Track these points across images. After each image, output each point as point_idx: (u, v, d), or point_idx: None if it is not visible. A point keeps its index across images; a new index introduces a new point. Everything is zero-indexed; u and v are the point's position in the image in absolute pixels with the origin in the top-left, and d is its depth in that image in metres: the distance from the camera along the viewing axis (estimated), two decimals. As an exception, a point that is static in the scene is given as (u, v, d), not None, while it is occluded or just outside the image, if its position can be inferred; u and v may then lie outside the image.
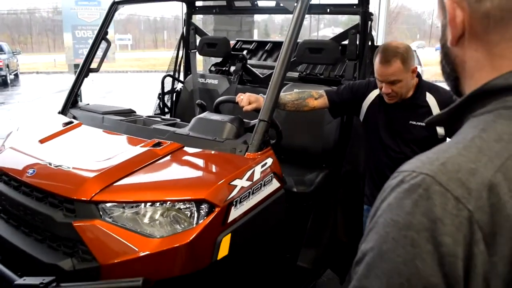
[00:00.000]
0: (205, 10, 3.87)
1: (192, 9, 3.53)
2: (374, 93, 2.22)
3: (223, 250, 1.74)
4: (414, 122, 2.09)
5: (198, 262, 1.70)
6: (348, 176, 2.78)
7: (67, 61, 5.00)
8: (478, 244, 0.55)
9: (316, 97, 2.27)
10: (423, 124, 2.07)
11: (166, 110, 3.56)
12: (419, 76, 2.14)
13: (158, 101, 3.54)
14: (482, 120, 0.64)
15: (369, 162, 2.35)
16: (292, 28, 2.09)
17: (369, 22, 2.83)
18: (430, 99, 2.09)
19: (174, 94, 3.61)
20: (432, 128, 2.08)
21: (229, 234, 1.75)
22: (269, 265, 2.17)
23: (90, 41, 4.76)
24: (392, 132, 2.15)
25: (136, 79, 18.85)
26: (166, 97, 3.57)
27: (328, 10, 3.04)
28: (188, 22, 3.53)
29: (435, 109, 2.08)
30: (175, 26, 32.20)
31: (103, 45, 2.92)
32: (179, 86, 3.64)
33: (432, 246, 0.57)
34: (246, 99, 2.12)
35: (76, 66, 5.67)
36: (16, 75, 17.93)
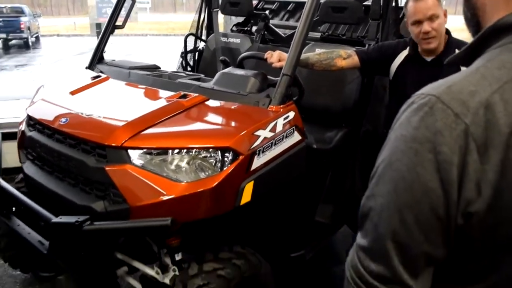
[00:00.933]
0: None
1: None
2: (403, 53, 2.24)
3: (246, 196, 1.83)
4: None
5: (222, 206, 1.80)
6: (367, 135, 2.83)
7: (90, 20, 5.04)
8: (471, 153, 0.64)
9: (345, 57, 2.30)
10: None
11: (189, 68, 3.62)
12: (448, 33, 2.15)
13: (181, 59, 3.60)
14: (490, 53, 0.72)
15: (391, 124, 2.37)
16: None
17: None
18: None
19: (197, 53, 3.66)
20: None
21: (252, 182, 1.84)
22: (288, 218, 2.27)
23: (114, 0, 4.82)
24: None
25: (155, 42, 18.87)
26: (189, 56, 3.63)
27: None
28: (210, -20, 3.54)
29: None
30: (193, -11, 31.87)
31: (127, 4, 2.97)
32: (201, 45, 3.69)
33: (432, 155, 0.67)
34: (276, 56, 2.18)
35: (97, 25, 5.70)
36: (37, 38, 18.11)
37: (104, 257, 1.96)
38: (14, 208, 2.26)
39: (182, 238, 1.91)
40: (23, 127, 2.31)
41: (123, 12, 3.03)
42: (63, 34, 20.25)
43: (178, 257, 1.96)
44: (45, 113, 2.16)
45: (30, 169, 2.21)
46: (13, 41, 16.64)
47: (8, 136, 2.56)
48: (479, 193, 0.65)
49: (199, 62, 3.67)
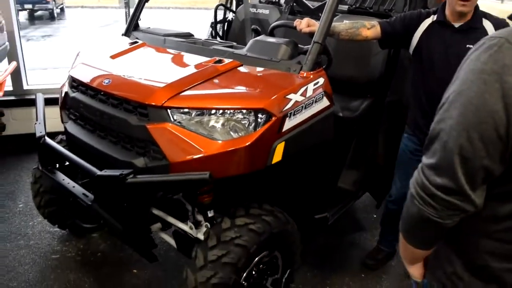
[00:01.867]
0: None
1: None
2: (427, 22, 2.30)
3: (277, 155, 1.95)
4: (472, 46, 2.18)
5: (255, 164, 1.92)
6: (392, 106, 2.90)
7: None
8: None
9: (369, 27, 2.37)
10: None
11: (218, 38, 3.70)
12: (476, 4, 2.21)
13: (211, 29, 3.69)
14: None
15: (419, 94, 2.44)
16: None
17: None
18: (487, 24, 2.18)
19: (226, 23, 3.74)
20: None
21: (283, 142, 1.95)
22: (314, 181, 2.38)
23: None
24: (448, 57, 2.24)
25: (178, 15, 18.87)
26: (218, 26, 3.71)
27: None
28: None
29: (491, 32, 2.16)
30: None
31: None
32: (230, 15, 3.76)
33: (499, 84, 0.85)
34: (305, 22, 2.26)
35: (126, -2, 5.74)
36: (62, 9, 18.27)
37: (144, 210, 2.10)
38: (57, 165, 2.43)
39: (214, 196, 2.04)
40: (65, 88, 2.45)
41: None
42: (88, 6, 20.38)
43: (210, 214, 2.10)
44: (88, 75, 2.28)
45: (72, 128, 2.35)
46: (39, 12, 16.84)
47: (47, 102, 2.70)
48: None
49: (228, 32, 3.75)
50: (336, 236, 3.18)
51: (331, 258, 2.97)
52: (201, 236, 2.10)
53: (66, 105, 2.44)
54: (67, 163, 2.39)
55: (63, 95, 2.49)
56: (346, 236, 3.23)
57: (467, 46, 2.21)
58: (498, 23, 2.20)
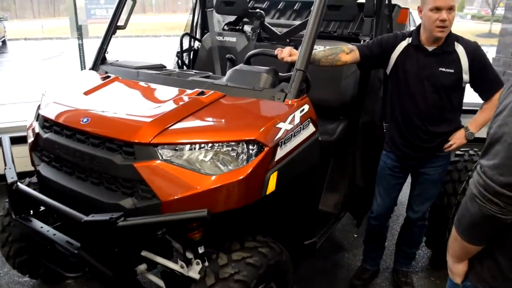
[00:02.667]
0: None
1: (208, -32, 3.59)
2: (403, 44, 2.39)
3: (271, 186, 1.92)
4: (444, 69, 2.28)
5: (250, 196, 1.88)
6: (366, 126, 2.96)
7: (74, 23, 4.99)
8: None
9: (348, 51, 2.42)
10: (452, 70, 2.26)
11: (185, 68, 3.67)
12: None
13: (177, 59, 3.65)
14: None
15: (395, 114, 2.51)
16: None
17: None
18: (459, 47, 2.28)
19: (192, 52, 3.72)
20: (459, 74, 2.27)
21: (276, 172, 1.93)
22: (302, 207, 2.36)
23: (103, 2, 4.80)
24: (422, 79, 2.33)
25: (127, 43, 18.63)
26: (184, 55, 3.68)
27: None
28: (204, -19, 3.60)
29: (463, 56, 2.26)
30: (162, -10, 31.61)
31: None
32: (196, 44, 3.74)
33: None
34: (287, 51, 2.27)
35: (78, 28, 5.58)
36: (4, 42, 17.58)
37: (135, 254, 2.00)
38: (31, 211, 2.28)
39: (204, 232, 1.98)
40: (37, 129, 2.32)
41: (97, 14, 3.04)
42: (31, 38, 19.74)
43: (201, 250, 2.02)
44: (63, 114, 2.17)
45: (46, 171, 2.22)
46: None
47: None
48: None
49: (195, 61, 3.72)
50: (319, 259, 3.16)
51: (319, 282, 2.95)
52: (193, 275, 2.02)
53: (38, 146, 2.31)
54: (42, 208, 2.25)
55: (32, 136, 2.35)
56: (329, 259, 3.22)
57: (440, 69, 2.30)
58: (469, 46, 2.30)
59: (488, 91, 2.36)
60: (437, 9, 2.19)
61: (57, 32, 19.56)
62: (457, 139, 2.45)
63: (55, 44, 18.09)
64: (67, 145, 2.09)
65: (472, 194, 1.10)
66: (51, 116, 2.21)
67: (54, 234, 2.07)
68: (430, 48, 2.32)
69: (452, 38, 2.31)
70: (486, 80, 2.33)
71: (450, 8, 2.18)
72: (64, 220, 2.17)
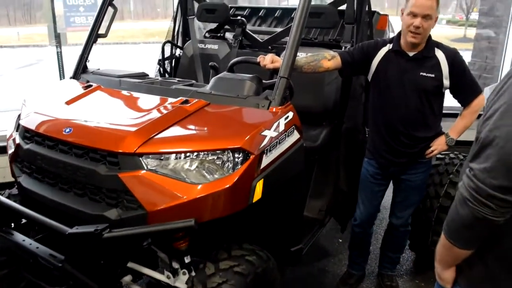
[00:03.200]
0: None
1: (188, -25, 3.59)
2: (383, 50, 2.42)
3: (257, 193, 1.92)
4: (425, 74, 2.33)
5: (237, 204, 1.87)
6: (348, 132, 2.98)
7: (53, 30, 4.91)
8: None
9: (329, 58, 2.44)
10: (433, 75, 2.30)
11: (166, 75, 3.65)
12: (429, 34, 2.36)
13: (158, 67, 3.63)
14: None
15: (376, 119, 2.54)
16: None
17: None
18: (439, 53, 2.32)
19: (174, 60, 3.70)
20: (439, 79, 2.32)
21: (262, 179, 1.93)
22: (288, 213, 2.36)
23: (82, 9, 4.75)
24: (404, 84, 2.36)
25: (107, 50, 18.43)
26: (166, 63, 3.66)
27: None
28: (185, -12, 3.59)
29: (443, 62, 2.31)
30: (141, -4, 31.40)
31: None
32: (178, 52, 3.73)
33: None
34: (269, 58, 2.28)
35: (57, 36, 5.49)
36: (-22, 50, 17.23)
37: (122, 265, 1.97)
38: (13, 224, 2.22)
39: (190, 241, 1.96)
40: (17, 140, 2.27)
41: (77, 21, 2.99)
42: (7, 45, 19.36)
43: (187, 260, 2.01)
44: (44, 124, 2.13)
45: (28, 183, 2.18)
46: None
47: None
48: None
49: (177, 69, 3.71)
50: (305, 265, 3.17)
51: (305, 288, 2.95)
52: (180, 285, 2.00)
53: (19, 157, 2.26)
54: (23, 221, 2.20)
55: (13, 147, 2.30)
56: (314, 264, 3.23)
57: (421, 73, 2.34)
58: (449, 52, 2.36)
59: (467, 97, 2.41)
60: (413, 14, 2.24)
61: (34, 40, 19.22)
62: (438, 145, 2.49)
63: (31, 52, 17.78)
64: (49, 156, 2.05)
65: (463, 197, 1.12)
66: (32, 126, 2.17)
67: (37, 247, 2.02)
68: (410, 53, 2.36)
69: (432, 44, 2.36)
70: (465, 86, 2.38)
71: (426, 16, 2.22)
72: (47, 232, 2.13)
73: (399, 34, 2.39)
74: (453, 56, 2.33)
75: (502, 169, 1.04)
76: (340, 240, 3.51)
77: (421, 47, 2.34)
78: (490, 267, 1.21)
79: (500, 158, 1.04)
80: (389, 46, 2.43)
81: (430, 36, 2.35)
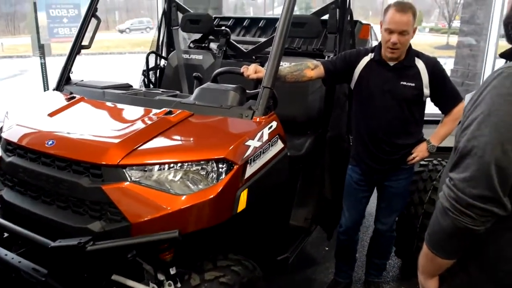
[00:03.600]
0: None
1: (173, -14, 3.60)
2: (365, 59, 2.46)
3: (242, 203, 1.92)
4: (405, 83, 2.36)
5: (221, 215, 1.87)
6: (333, 140, 3.01)
7: (36, 41, 4.90)
8: None
9: (312, 67, 2.48)
10: (413, 84, 2.34)
11: (151, 86, 3.65)
12: (409, 44, 2.40)
13: (143, 77, 3.63)
14: None
15: (359, 127, 2.58)
16: (288, 0, 2.24)
17: None
18: (419, 63, 2.37)
19: (158, 71, 3.70)
20: (420, 88, 2.35)
21: (246, 189, 1.93)
22: (273, 222, 2.37)
23: (66, 21, 4.73)
24: (385, 93, 2.40)
25: (92, 61, 18.34)
26: (150, 74, 3.66)
27: None
28: (169, -1, 3.61)
29: (423, 71, 2.35)
30: (126, 7, 31.33)
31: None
32: (162, 62, 3.73)
33: None
34: (252, 68, 2.30)
35: (41, 47, 5.47)
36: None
37: (106, 278, 1.95)
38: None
39: (175, 252, 1.95)
40: (-1, 153, 2.25)
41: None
42: (-10, 57, 19.16)
43: (172, 271, 1.99)
44: (27, 137, 2.12)
45: (10, 196, 2.15)
46: None
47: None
48: None
49: (161, 80, 3.71)
50: (292, 274, 3.17)
51: (292, 297, 2.95)
52: (165, 296, 1.99)
53: (0, 170, 2.24)
54: (5, 235, 2.16)
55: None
56: (301, 273, 3.23)
57: (401, 83, 2.38)
58: (429, 61, 2.40)
59: (447, 105, 2.45)
60: (390, 31, 2.27)
61: (17, 50, 19.05)
62: (420, 151, 2.52)
63: (15, 63, 17.61)
64: (31, 168, 2.03)
65: (443, 207, 1.13)
66: (14, 139, 2.15)
67: (19, 262, 1.99)
68: (391, 63, 2.40)
69: (412, 53, 2.40)
70: (445, 94, 2.42)
71: (403, 32, 2.25)
72: (30, 246, 2.10)
73: (380, 44, 2.43)
74: (433, 65, 2.38)
75: (482, 179, 1.06)
76: (327, 248, 3.52)
77: (402, 57, 2.38)
78: (472, 276, 1.23)
79: (479, 168, 1.06)
80: (370, 56, 2.47)
81: (410, 46, 2.39)
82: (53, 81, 5.26)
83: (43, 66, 5.51)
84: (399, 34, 2.25)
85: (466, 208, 1.07)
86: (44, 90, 5.22)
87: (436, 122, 2.58)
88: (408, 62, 2.38)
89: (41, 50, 5.54)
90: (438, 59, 2.45)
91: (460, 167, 1.11)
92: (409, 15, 2.24)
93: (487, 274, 1.21)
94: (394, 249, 3.14)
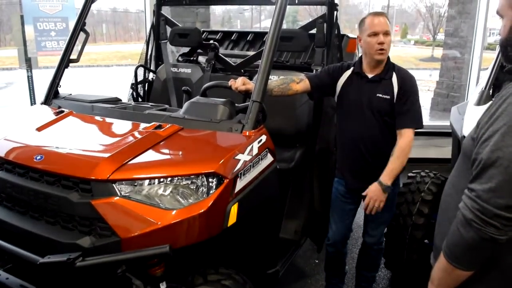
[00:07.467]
0: (175, 1, 3.98)
1: (162, 0, 3.62)
2: (347, 73, 2.54)
3: (232, 218, 1.92)
4: (380, 95, 2.42)
5: (212, 229, 1.87)
6: (321, 153, 3.03)
7: (23, 54, 4.87)
8: None
9: (298, 81, 2.52)
10: (388, 97, 2.39)
11: (139, 99, 3.64)
12: (388, 57, 2.45)
13: (131, 91, 3.63)
14: None
15: (342, 139, 2.61)
16: (276, 15, 2.27)
17: (335, 12, 3.08)
18: (394, 76, 2.45)
19: (147, 84, 3.70)
20: (392, 101, 2.39)
21: (237, 203, 1.93)
22: (264, 236, 2.37)
23: (53, 34, 4.72)
24: (363, 104, 2.45)
25: (79, 73, 18.25)
26: (139, 87, 3.66)
27: (297, 1, 3.26)
28: (158, 13, 3.63)
29: (395, 84, 2.41)
30: (113, 19, 31.31)
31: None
32: (151, 76, 3.74)
33: None
34: (240, 81, 2.32)
35: (28, 60, 5.43)
36: None
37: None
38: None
39: (165, 267, 1.94)
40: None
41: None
42: (-26, 69, 18.97)
43: (163, 286, 1.98)
44: (14, 151, 2.10)
45: (-3, 212, 2.13)
46: None
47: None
48: None
49: (150, 93, 3.71)
50: (282, 287, 3.16)
51: (282, 311, 2.94)
52: (156, 312, 1.97)
53: (-12, 186, 2.21)
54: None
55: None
56: (292, 286, 3.22)
57: (377, 95, 2.43)
58: (403, 75, 2.45)
59: (400, 122, 2.40)
60: (375, 34, 2.35)
61: (3, 63, 18.91)
62: (375, 195, 2.40)
63: (1, 75, 17.46)
64: (19, 183, 2.01)
65: (466, 219, 1.14)
66: (2, 154, 2.13)
67: (7, 278, 1.97)
68: (370, 75, 2.47)
69: (390, 66, 2.46)
70: (403, 111, 2.38)
71: (386, 33, 2.35)
72: (18, 262, 2.07)
73: (361, 57, 2.49)
74: (404, 80, 2.40)
75: (508, 189, 1.08)
76: (317, 261, 3.52)
77: (380, 70, 2.44)
78: (492, 285, 1.24)
79: (505, 178, 1.08)
80: (352, 69, 2.53)
81: (389, 58, 2.45)
82: (39, 93, 5.23)
83: (30, 79, 5.47)
84: (383, 34, 2.34)
85: (491, 219, 1.09)
86: (31, 103, 5.18)
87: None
88: (384, 75, 2.44)
89: (28, 63, 5.51)
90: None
91: (483, 177, 1.12)
92: (385, 17, 2.39)
93: (506, 282, 1.23)
94: (383, 261, 3.15)
